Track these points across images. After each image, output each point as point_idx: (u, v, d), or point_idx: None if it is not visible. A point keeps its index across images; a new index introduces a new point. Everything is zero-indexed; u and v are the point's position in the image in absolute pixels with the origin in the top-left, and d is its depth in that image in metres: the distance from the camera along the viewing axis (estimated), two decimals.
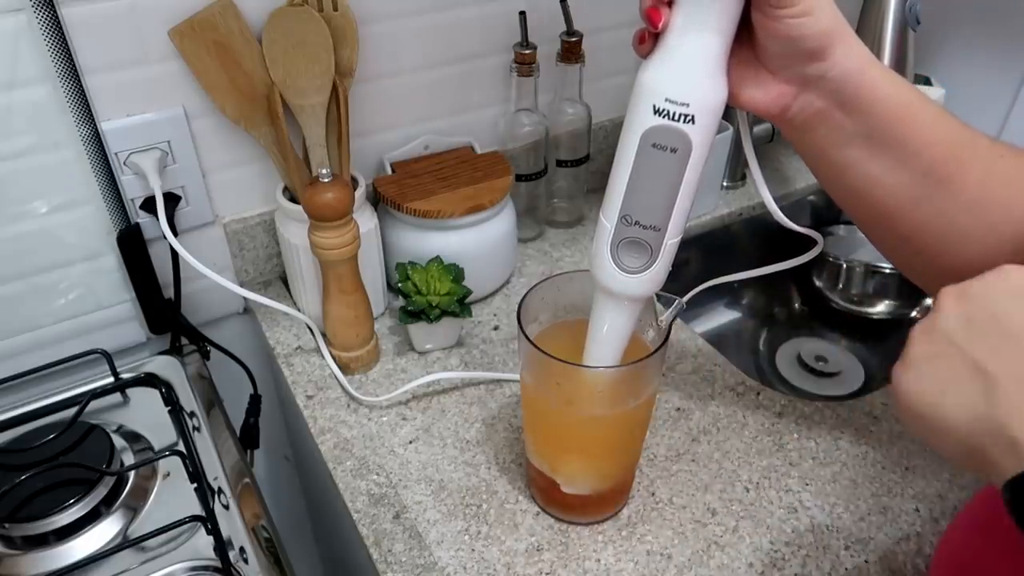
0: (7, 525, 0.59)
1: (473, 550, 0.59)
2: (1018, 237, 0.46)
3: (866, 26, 0.91)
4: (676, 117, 0.44)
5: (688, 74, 0.44)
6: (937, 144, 0.46)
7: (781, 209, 0.57)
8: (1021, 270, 0.36)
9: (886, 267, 1.00)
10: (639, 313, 0.52)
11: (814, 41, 0.43)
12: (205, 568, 0.58)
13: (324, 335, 0.74)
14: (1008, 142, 0.48)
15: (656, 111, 0.44)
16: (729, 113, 0.50)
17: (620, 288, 0.49)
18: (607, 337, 0.52)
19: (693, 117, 0.43)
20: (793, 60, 0.44)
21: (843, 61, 0.44)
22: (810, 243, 0.62)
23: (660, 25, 0.43)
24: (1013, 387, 0.32)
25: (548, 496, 0.61)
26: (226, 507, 0.63)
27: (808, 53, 0.43)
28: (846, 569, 0.57)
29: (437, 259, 0.74)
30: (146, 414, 0.70)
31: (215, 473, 0.66)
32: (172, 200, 0.72)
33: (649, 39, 0.44)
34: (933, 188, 0.46)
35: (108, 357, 0.71)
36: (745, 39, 0.45)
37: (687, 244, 0.98)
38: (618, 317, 0.51)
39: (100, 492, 0.61)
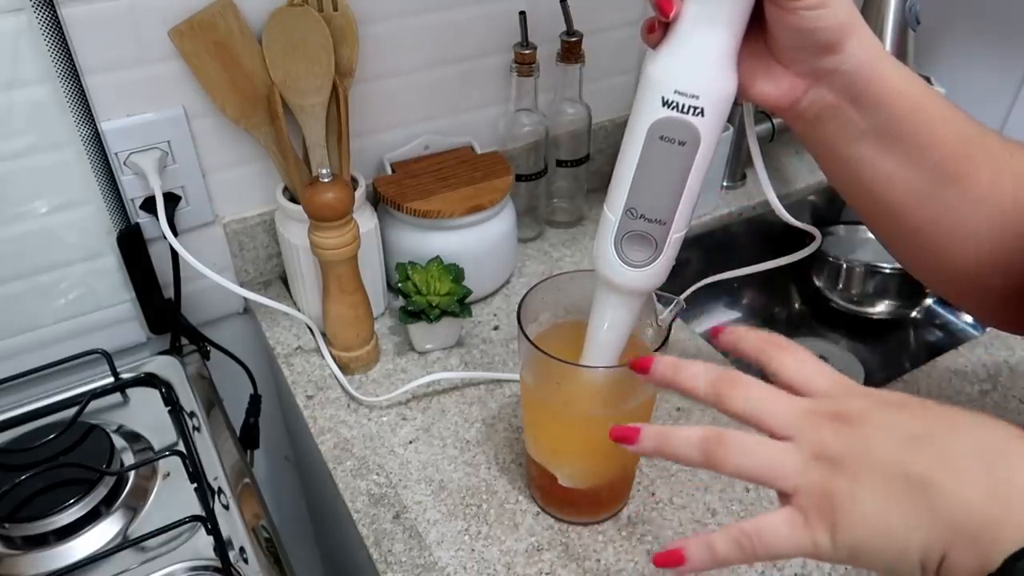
0: (7, 525, 0.59)
1: (473, 550, 0.59)
2: None
3: None
4: (685, 109, 0.43)
5: (698, 65, 0.43)
6: (948, 140, 0.45)
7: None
8: (857, 390, 0.35)
9: (886, 267, 1.00)
10: (640, 309, 0.52)
11: (829, 34, 0.42)
12: (205, 568, 0.58)
13: (324, 335, 0.74)
14: (1020, 141, 0.48)
15: (665, 103, 0.43)
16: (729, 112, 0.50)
17: (623, 282, 0.49)
18: (607, 334, 0.52)
19: (702, 110, 0.43)
20: (806, 53, 0.44)
21: (857, 54, 0.43)
22: (810, 242, 0.62)
23: (672, 15, 0.42)
24: (949, 480, 0.31)
25: (548, 496, 0.61)
26: (226, 507, 0.63)
27: (822, 46, 0.43)
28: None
29: (437, 259, 0.74)
30: (146, 414, 0.70)
31: (215, 473, 0.66)
32: (172, 200, 0.72)
33: (659, 29, 0.43)
34: (943, 185, 0.46)
35: (108, 357, 0.71)
36: (756, 31, 0.44)
37: (687, 244, 0.97)
38: (619, 312, 0.51)
39: (100, 492, 0.61)
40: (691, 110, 0.43)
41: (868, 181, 0.47)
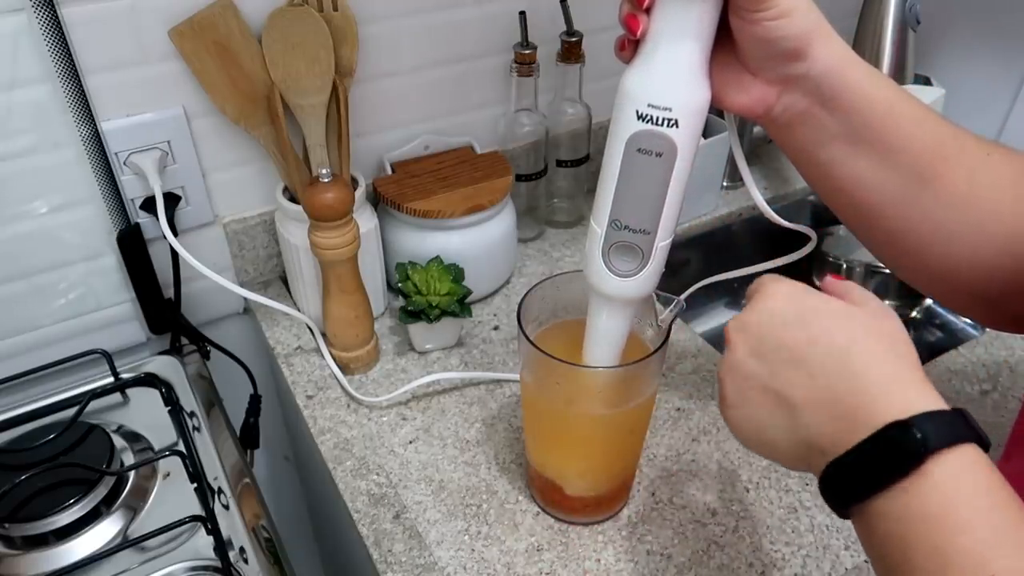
0: (7, 525, 0.59)
1: (473, 550, 0.59)
2: (1006, 235, 0.46)
3: (866, 26, 0.91)
4: (659, 122, 0.44)
5: (669, 79, 0.44)
6: (921, 141, 0.46)
7: (781, 209, 0.57)
8: (783, 291, 0.41)
9: (886, 267, 1.00)
10: (635, 314, 0.52)
11: (793, 42, 0.43)
12: (205, 568, 0.58)
13: (324, 335, 0.74)
14: (997, 141, 0.48)
15: (640, 116, 0.44)
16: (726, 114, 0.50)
17: (613, 291, 0.50)
18: (605, 339, 0.52)
19: (676, 121, 0.44)
20: (773, 61, 0.44)
21: (823, 60, 0.44)
22: (807, 243, 0.62)
23: (639, 32, 0.43)
24: (811, 409, 0.38)
25: (548, 496, 0.61)
26: (226, 507, 0.63)
27: (787, 53, 0.44)
28: (846, 569, 0.57)
29: (437, 259, 0.74)
30: (146, 414, 0.70)
31: (215, 473, 0.66)
32: (172, 200, 0.72)
33: (629, 46, 0.45)
34: (918, 186, 0.46)
35: (108, 357, 0.71)
36: (725, 42, 0.45)
37: (687, 244, 0.98)
38: (613, 319, 0.51)
39: (100, 492, 0.61)
40: (665, 122, 0.44)
41: (843, 184, 0.48)
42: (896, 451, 0.34)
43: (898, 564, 0.35)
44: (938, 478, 0.33)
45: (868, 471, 0.35)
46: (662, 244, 0.48)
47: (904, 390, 0.36)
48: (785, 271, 0.62)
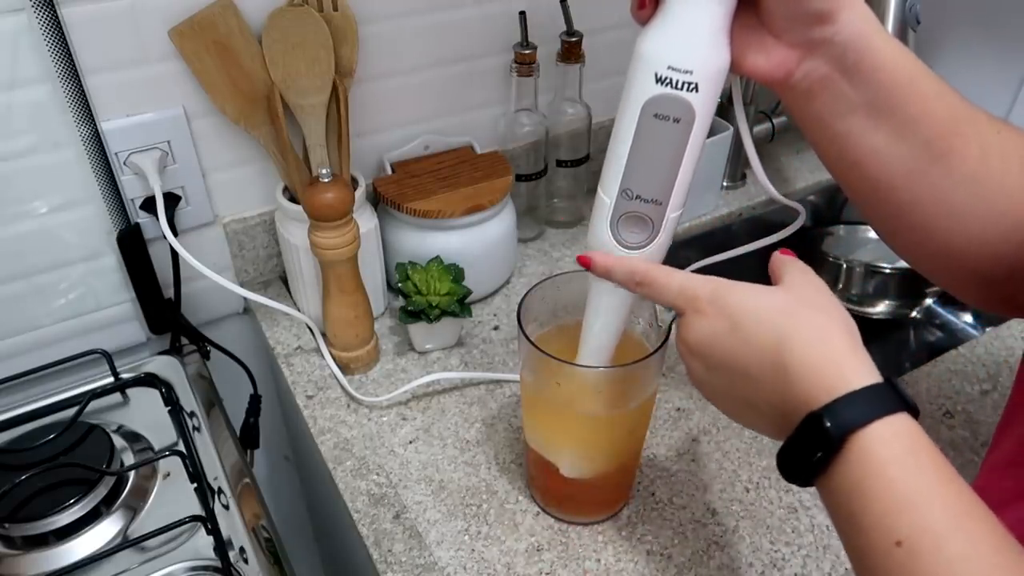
0: (7, 525, 0.59)
1: (473, 550, 0.59)
2: (1016, 214, 0.45)
3: None
4: (679, 85, 0.42)
5: (691, 40, 0.42)
6: (938, 116, 0.45)
7: (781, 209, 0.57)
8: (709, 306, 0.43)
9: (886, 267, 1.00)
10: (634, 296, 0.51)
11: (823, 3, 0.42)
12: (205, 568, 0.58)
13: (324, 335, 0.74)
14: (1006, 120, 0.48)
15: (658, 79, 0.42)
16: (727, 113, 0.49)
17: None
18: (603, 328, 0.51)
19: (696, 85, 0.42)
20: (800, 23, 0.43)
21: (850, 25, 0.43)
22: (812, 242, 0.62)
23: None
24: (764, 406, 0.41)
25: (548, 495, 0.61)
26: (226, 507, 0.63)
27: (816, 16, 0.43)
28: (846, 569, 0.57)
29: (437, 259, 0.75)
30: (146, 414, 0.70)
31: (215, 473, 0.66)
32: (172, 200, 0.72)
33: (649, 4, 0.43)
34: (931, 161, 0.46)
35: (108, 357, 0.71)
36: (748, 2, 0.44)
37: (687, 244, 0.98)
38: (614, 300, 0.50)
39: (100, 492, 0.61)
40: (685, 86, 0.42)
41: (857, 156, 0.47)
42: (814, 442, 0.38)
43: (840, 533, 0.39)
44: (854, 456, 0.37)
45: (800, 460, 0.39)
46: (673, 215, 0.47)
47: (828, 376, 0.38)
48: None
